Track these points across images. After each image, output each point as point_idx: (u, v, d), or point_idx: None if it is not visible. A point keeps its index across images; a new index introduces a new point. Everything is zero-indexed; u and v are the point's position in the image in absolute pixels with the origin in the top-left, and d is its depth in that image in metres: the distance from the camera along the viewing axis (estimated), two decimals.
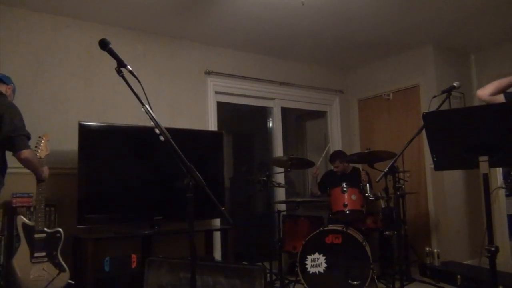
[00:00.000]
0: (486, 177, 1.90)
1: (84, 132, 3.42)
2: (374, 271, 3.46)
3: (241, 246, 4.69)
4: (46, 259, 2.87)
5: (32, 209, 3.07)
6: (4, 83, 2.88)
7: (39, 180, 2.93)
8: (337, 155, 4.60)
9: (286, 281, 3.92)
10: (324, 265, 3.51)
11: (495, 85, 2.60)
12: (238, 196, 5.20)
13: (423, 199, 4.83)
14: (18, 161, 2.69)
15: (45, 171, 2.96)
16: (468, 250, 4.69)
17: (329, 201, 3.92)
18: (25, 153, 2.66)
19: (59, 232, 2.95)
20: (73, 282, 2.98)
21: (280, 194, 4.99)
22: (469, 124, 1.91)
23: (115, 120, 3.84)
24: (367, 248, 3.53)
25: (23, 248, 2.82)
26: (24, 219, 2.88)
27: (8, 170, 2.78)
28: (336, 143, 5.57)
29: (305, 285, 3.53)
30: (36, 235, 2.86)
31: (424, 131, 2.08)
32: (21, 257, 2.80)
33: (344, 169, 4.53)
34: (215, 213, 3.96)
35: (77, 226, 3.34)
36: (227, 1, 3.63)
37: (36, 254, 2.84)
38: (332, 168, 4.73)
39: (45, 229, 2.91)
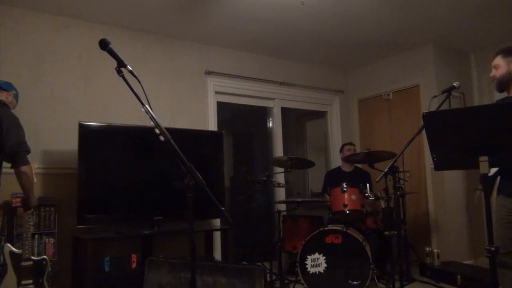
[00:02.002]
0: (486, 177, 1.90)
1: (84, 132, 3.42)
2: (374, 271, 3.46)
3: (241, 246, 4.69)
4: (32, 286, 2.88)
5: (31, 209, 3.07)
6: (4, 89, 2.87)
7: (27, 206, 2.91)
8: (346, 143, 4.79)
9: (286, 281, 3.92)
10: (324, 265, 3.51)
11: None
12: (238, 196, 5.20)
13: (423, 199, 4.83)
14: (16, 175, 2.70)
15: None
16: (468, 250, 4.68)
17: (329, 201, 3.92)
18: (26, 168, 2.70)
19: (45, 259, 2.97)
20: None
21: (280, 194, 4.99)
22: (469, 124, 1.90)
23: (115, 120, 3.84)
24: (367, 248, 3.53)
25: (10, 276, 2.84)
26: (11, 247, 2.89)
27: (9, 171, 2.78)
28: (336, 143, 5.56)
29: (305, 285, 3.53)
30: (23, 263, 2.87)
31: (424, 131, 2.08)
32: (8, 285, 2.82)
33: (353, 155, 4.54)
34: (215, 213, 3.96)
35: (77, 226, 3.34)
36: (227, 1, 3.63)
37: (23, 282, 2.85)
38: (340, 166, 4.75)
39: (32, 257, 2.93)
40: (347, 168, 4.68)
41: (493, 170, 2.36)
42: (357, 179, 4.23)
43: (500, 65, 2.43)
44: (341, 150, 4.81)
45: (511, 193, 2.31)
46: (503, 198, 2.36)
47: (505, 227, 2.30)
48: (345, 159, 4.62)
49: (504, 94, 2.54)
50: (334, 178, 4.62)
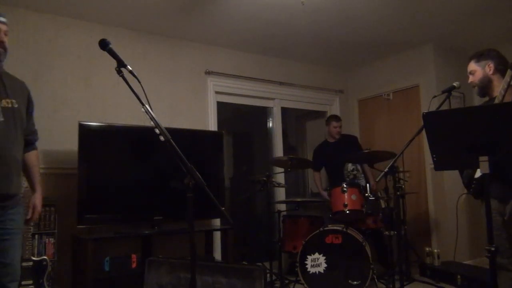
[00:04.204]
0: (486, 177, 1.90)
1: (84, 132, 3.42)
2: (374, 271, 3.46)
3: (241, 246, 4.69)
4: (33, 287, 2.87)
5: None
6: None
7: None
8: (332, 116, 4.82)
9: (286, 281, 3.92)
10: (324, 265, 3.51)
11: None
12: (238, 196, 5.20)
13: (423, 199, 4.83)
14: None
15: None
16: (468, 250, 4.68)
17: (329, 201, 3.92)
18: None
19: (45, 260, 2.96)
20: None
21: (280, 194, 4.99)
22: (469, 124, 1.90)
23: (115, 120, 3.84)
24: (367, 248, 3.53)
25: None
26: None
27: None
28: None
29: (305, 285, 3.53)
30: (23, 263, 2.83)
31: (424, 131, 2.08)
32: None
33: (340, 132, 4.72)
34: (215, 213, 3.96)
35: (77, 226, 3.34)
36: (227, 1, 3.63)
37: (23, 282, 2.84)
38: (326, 138, 4.86)
39: (32, 257, 2.92)
40: (332, 139, 4.77)
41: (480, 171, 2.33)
42: (345, 148, 4.40)
43: (476, 70, 2.47)
44: (328, 123, 4.78)
45: (504, 197, 2.28)
46: (493, 201, 2.31)
47: (496, 229, 2.29)
48: (331, 137, 4.77)
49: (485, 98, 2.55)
50: (322, 153, 4.72)
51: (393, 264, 3.85)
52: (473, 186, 2.43)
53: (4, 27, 2.18)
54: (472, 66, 2.49)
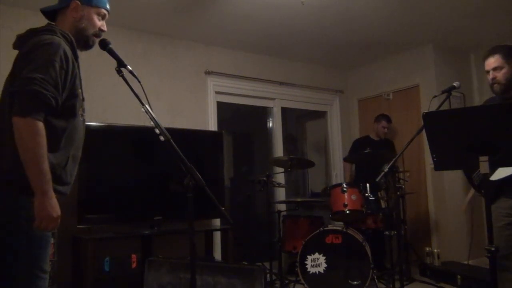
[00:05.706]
0: (486, 177, 1.90)
1: (84, 132, 3.41)
2: (374, 271, 3.46)
3: (241, 246, 4.69)
4: None
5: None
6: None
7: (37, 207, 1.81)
8: (385, 115, 4.86)
9: (286, 281, 3.92)
10: (324, 265, 3.51)
11: None
12: (238, 196, 5.20)
13: (423, 199, 4.83)
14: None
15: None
16: (468, 250, 4.68)
17: (329, 201, 3.92)
18: (19, 121, 1.55)
19: None
20: None
21: (280, 194, 4.99)
22: (469, 124, 1.90)
23: (115, 120, 3.84)
24: (367, 248, 3.53)
25: None
26: None
27: None
28: (336, 143, 5.57)
29: (305, 285, 3.53)
30: None
31: (424, 131, 2.08)
32: None
33: (386, 133, 4.84)
34: (215, 213, 3.96)
35: (77, 226, 3.34)
36: (227, 1, 3.63)
37: None
38: (368, 134, 4.98)
39: None
40: (376, 137, 4.88)
41: (505, 170, 2.20)
42: (385, 148, 4.49)
43: (503, 67, 2.24)
44: (378, 121, 4.85)
45: None
46: (507, 201, 2.29)
47: (504, 229, 2.28)
48: (376, 135, 4.87)
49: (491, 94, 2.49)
50: (363, 145, 4.77)
51: (393, 264, 3.85)
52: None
53: (107, 15, 1.96)
54: (499, 61, 2.23)
